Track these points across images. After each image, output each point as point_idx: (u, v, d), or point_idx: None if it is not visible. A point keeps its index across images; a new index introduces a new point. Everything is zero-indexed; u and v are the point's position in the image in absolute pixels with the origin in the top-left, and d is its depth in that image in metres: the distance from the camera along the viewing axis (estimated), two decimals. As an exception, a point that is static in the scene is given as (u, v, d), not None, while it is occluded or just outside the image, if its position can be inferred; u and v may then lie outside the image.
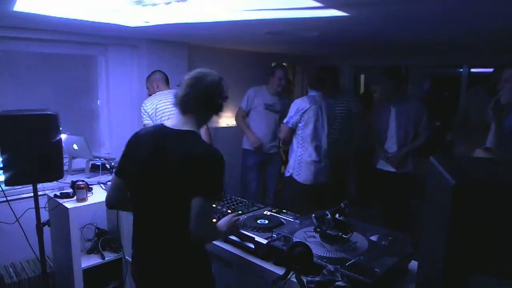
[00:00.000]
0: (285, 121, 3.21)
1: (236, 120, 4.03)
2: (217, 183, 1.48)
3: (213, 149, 1.53)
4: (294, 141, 3.22)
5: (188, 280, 1.55)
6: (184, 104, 1.54)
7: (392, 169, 3.45)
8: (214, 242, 1.88)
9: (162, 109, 3.29)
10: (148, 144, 1.53)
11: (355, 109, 3.96)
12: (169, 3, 2.00)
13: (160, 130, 1.56)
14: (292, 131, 3.19)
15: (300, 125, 3.14)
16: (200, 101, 1.54)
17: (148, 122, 3.27)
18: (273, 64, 3.92)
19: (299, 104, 3.15)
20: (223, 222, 1.75)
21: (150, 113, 3.26)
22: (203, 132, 3.52)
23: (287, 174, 3.27)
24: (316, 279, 1.31)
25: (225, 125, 4.50)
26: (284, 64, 4.06)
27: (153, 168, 1.49)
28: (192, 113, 1.55)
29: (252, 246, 1.74)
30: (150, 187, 1.51)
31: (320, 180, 3.22)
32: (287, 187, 3.34)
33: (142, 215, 1.59)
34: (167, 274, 1.53)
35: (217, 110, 1.61)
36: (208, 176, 1.43)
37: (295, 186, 3.20)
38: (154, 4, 2.07)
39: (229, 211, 2.00)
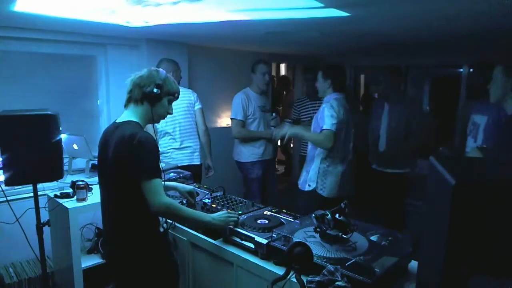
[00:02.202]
0: (331, 127, 2.70)
1: (237, 133, 3.63)
2: (150, 161, 1.62)
3: (141, 132, 1.66)
4: (318, 149, 2.85)
5: (144, 261, 1.70)
6: (125, 101, 1.78)
7: (388, 170, 3.41)
8: (214, 242, 1.89)
9: None
10: (100, 142, 1.77)
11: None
12: (177, 3, 1.99)
13: (110, 126, 1.78)
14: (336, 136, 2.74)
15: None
16: (132, 94, 1.74)
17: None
18: (254, 62, 3.66)
19: (335, 107, 2.76)
20: (217, 214, 1.84)
21: None
22: (201, 133, 3.44)
23: (308, 188, 2.89)
24: (316, 279, 1.31)
25: (225, 125, 4.50)
26: (265, 60, 3.81)
27: (102, 162, 1.73)
28: (130, 105, 1.76)
29: (252, 246, 1.74)
30: (103, 179, 1.76)
31: (345, 192, 2.90)
32: (306, 201, 2.92)
33: (102, 203, 1.81)
34: (125, 256, 1.72)
35: (148, 98, 1.73)
36: (140, 156, 1.59)
37: (317, 201, 2.81)
38: (157, 5, 2.07)
39: (229, 210, 2.00)
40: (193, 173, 3.08)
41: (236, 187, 3.89)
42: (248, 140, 3.63)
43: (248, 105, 3.57)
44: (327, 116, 2.73)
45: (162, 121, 3.12)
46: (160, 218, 1.80)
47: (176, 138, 3.30)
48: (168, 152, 3.30)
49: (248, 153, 3.65)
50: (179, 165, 3.23)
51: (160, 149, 3.28)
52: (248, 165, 3.67)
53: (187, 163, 3.33)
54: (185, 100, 3.34)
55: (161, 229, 1.79)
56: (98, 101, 3.66)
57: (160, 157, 3.31)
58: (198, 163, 3.43)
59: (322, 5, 2.01)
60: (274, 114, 3.65)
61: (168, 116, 3.19)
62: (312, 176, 2.89)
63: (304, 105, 4.21)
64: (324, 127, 2.71)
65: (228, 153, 3.85)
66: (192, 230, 2.05)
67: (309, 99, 4.18)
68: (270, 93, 3.89)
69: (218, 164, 3.68)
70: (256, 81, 3.59)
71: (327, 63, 3.20)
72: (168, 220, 1.94)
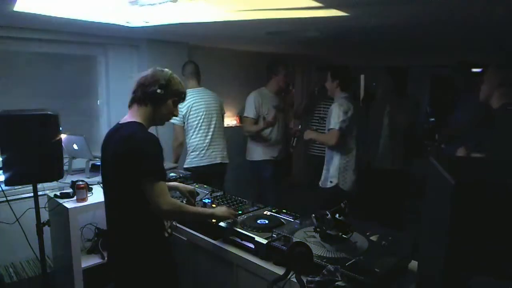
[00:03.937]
0: (335, 126, 2.88)
1: (248, 130, 3.70)
2: (151, 162, 1.58)
3: (142, 132, 1.62)
4: (338, 146, 2.96)
5: (145, 263, 1.67)
6: (129, 101, 1.72)
7: (388, 169, 3.47)
8: (214, 242, 1.89)
9: (196, 110, 3.22)
10: (103, 144, 1.74)
11: None
12: (164, 2, 2.00)
13: (113, 128, 1.74)
14: (343, 136, 2.91)
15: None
16: (135, 94, 1.69)
17: (177, 122, 3.22)
18: (273, 62, 3.77)
19: (345, 106, 2.90)
20: (218, 207, 1.90)
21: (183, 113, 3.21)
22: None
23: (330, 185, 3.00)
24: (316, 279, 1.31)
25: (225, 125, 4.48)
26: (281, 60, 3.92)
27: (104, 163, 1.72)
28: (134, 106, 1.70)
29: (252, 246, 1.74)
30: (106, 181, 1.74)
31: (356, 187, 3.04)
32: (328, 198, 2.98)
33: (106, 206, 1.77)
34: (127, 257, 1.70)
35: (151, 98, 1.67)
36: (141, 158, 1.55)
37: (339, 196, 2.84)
38: (152, 4, 2.07)
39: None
40: (222, 171, 3.33)
41: (237, 189, 3.89)
42: (260, 139, 3.69)
43: (262, 104, 3.63)
44: (333, 116, 2.92)
45: (197, 117, 3.27)
46: (165, 222, 1.77)
47: (209, 135, 3.34)
48: (204, 148, 3.33)
49: (262, 152, 3.69)
50: (212, 163, 3.33)
51: (192, 145, 3.32)
52: (261, 164, 3.70)
53: (219, 161, 3.39)
54: (218, 103, 3.43)
55: (166, 234, 1.75)
56: (98, 101, 3.66)
57: (194, 154, 3.33)
58: (228, 161, 3.49)
59: (322, 5, 2.01)
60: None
61: (205, 113, 3.28)
62: (333, 173, 3.02)
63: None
64: (330, 127, 2.94)
65: (230, 153, 3.86)
66: (193, 229, 2.05)
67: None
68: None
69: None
70: (278, 81, 3.67)
71: (335, 65, 3.29)
72: (173, 223, 1.94)
